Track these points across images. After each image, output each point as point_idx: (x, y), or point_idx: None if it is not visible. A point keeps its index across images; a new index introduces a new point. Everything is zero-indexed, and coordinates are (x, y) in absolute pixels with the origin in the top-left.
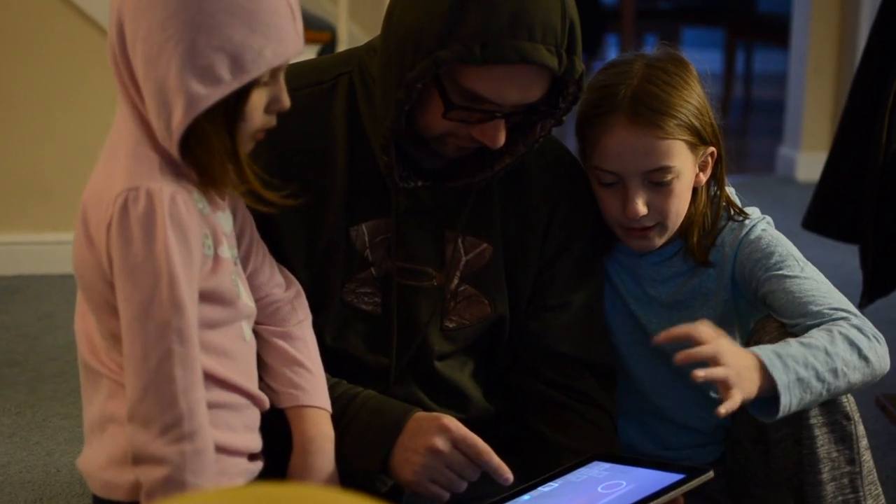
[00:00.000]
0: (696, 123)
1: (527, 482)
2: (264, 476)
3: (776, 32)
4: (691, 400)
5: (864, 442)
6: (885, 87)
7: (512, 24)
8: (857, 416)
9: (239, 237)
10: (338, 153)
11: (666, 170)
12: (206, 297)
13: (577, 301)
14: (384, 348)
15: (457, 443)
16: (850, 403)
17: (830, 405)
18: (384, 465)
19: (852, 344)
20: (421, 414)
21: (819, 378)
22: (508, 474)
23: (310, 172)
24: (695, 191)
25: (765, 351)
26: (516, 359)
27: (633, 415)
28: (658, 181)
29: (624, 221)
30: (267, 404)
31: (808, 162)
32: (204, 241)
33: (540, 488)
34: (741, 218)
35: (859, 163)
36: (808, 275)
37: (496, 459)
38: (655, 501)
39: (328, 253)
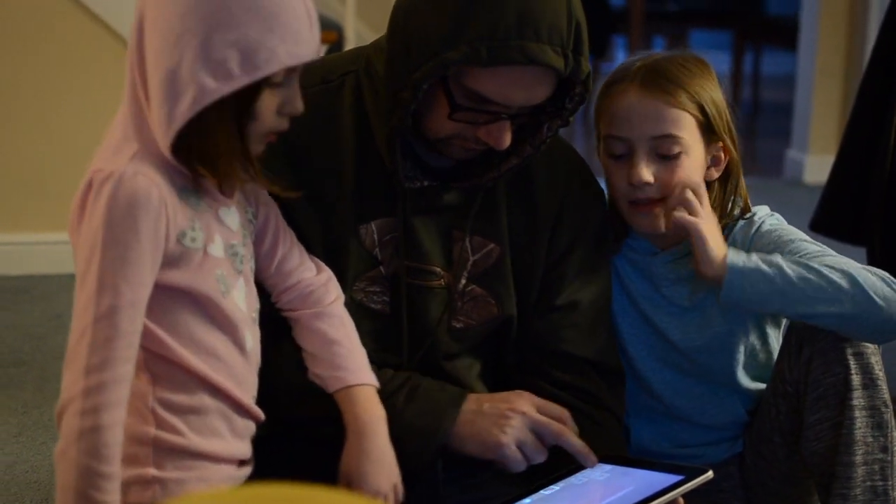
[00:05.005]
0: (708, 109)
1: (529, 485)
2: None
3: (784, 35)
4: (704, 399)
5: (895, 433)
6: (893, 90)
7: (518, 25)
8: (891, 406)
9: (263, 227)
10: (346, 151)
11: (674, 139)
12: (184, 292)
13: (585, 301)
14: (392, 347)
15: (539, 407)
16: (888, 392)
17: (872, 390)
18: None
19: (841, 270)
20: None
21: (779, 268)
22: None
23: (318, 170)
24: (708, 187)
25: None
26: (523, 359)
27: (647, 415)
28: (665, 153)
29: (629, 193)
30: (262, 417)
31: (817, 165)
32: (187, 231)
33: (541, 492)
34: (749, 215)
35: (867, 165)
36: (828, 252)
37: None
38: (654, 502)
39: (338, 250)
